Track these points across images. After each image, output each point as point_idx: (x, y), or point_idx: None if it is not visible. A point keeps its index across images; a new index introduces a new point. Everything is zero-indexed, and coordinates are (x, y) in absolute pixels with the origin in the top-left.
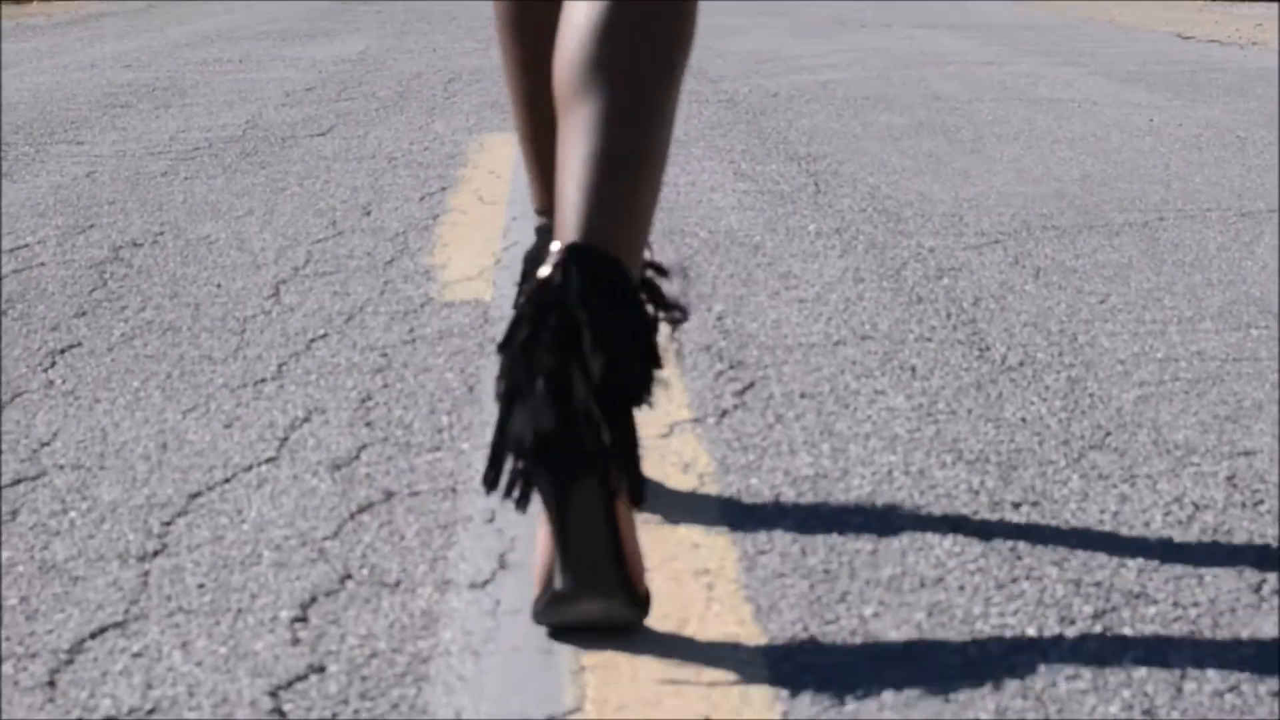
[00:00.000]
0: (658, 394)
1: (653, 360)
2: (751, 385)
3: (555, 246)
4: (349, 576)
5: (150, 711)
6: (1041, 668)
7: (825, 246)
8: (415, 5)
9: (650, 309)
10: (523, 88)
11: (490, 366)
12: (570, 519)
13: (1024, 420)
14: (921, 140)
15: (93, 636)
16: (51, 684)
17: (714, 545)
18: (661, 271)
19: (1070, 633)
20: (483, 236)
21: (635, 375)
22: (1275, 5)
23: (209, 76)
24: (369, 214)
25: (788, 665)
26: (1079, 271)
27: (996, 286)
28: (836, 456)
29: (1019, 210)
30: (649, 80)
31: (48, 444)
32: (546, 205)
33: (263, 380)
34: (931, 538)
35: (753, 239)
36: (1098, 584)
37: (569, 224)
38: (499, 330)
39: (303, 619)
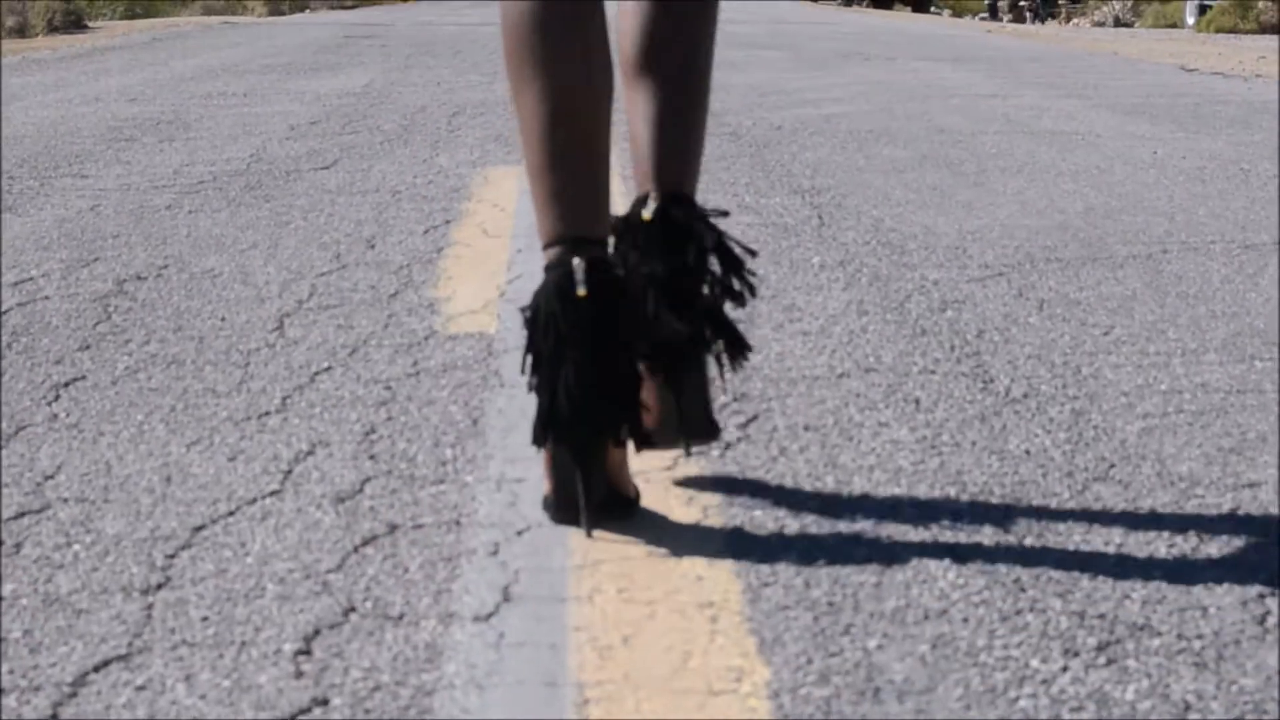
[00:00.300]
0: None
1: (736, 266)
2: (756, 418)
3: (651, 198)
4: (353, 609)
5: None
6: (1045, 700)
7: (829, 279)
8: (419, 39)
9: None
10: (540, 115)
11: (494, 398)
12: (683, 395)
13: (1028, 452)
14: (925, 173)
15: (96, 670)
16: (55, 717)
17: (718, 578)
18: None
19: (1074, 665)
20: (487, 270)
21: (729, 279)
22: (1277, 38)
23: (214, 110)
24: (373, 247)
25: (791, 698)
26: (1083, 304)
27: (1000, 319)
28: (840, 489)
29: (1023, 243)
30: (696, 60)
31: (51, 477)
32: (554, 238)
33: (267, 413)
34: (935, 570)
35: (757, 272)
36: (1101, 616)
37: (650, 173)
38: (504, 362)
39: (306, 652)
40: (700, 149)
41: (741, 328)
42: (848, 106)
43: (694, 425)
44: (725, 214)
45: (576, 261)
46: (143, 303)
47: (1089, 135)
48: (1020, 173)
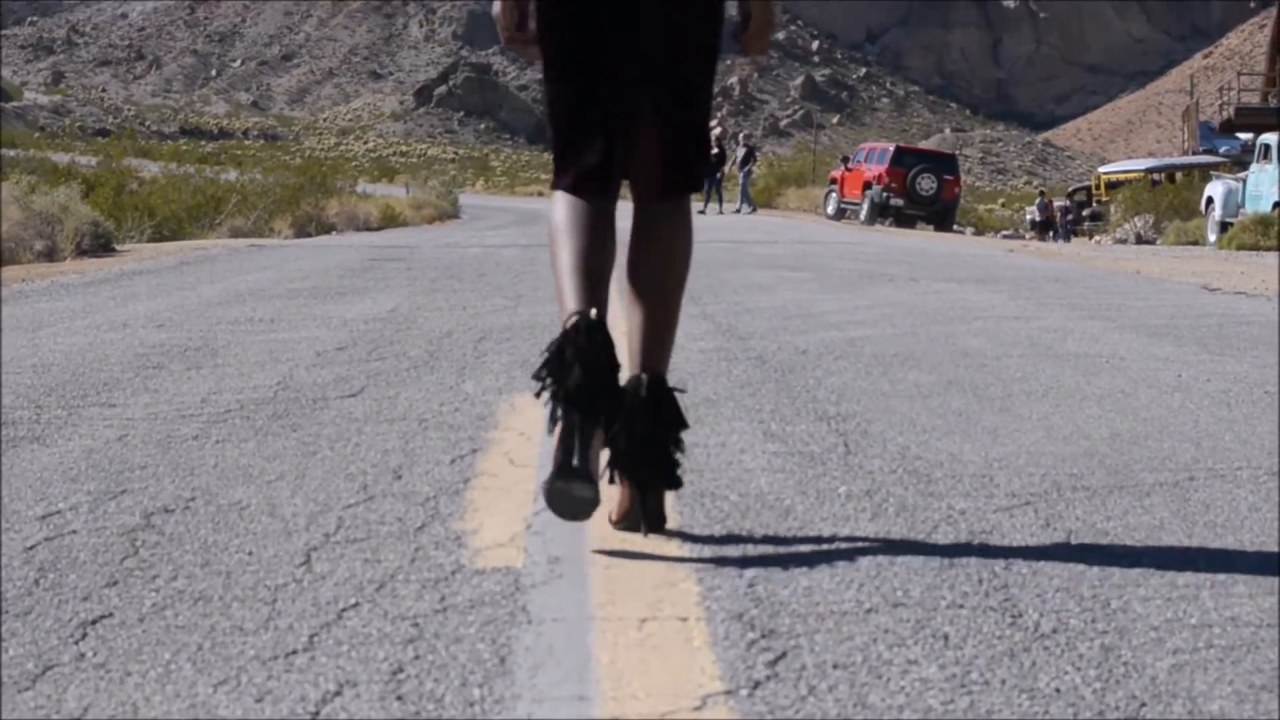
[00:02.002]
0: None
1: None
2: (784, 655)
3: (641, 377)
4: None
5: None
6: None
7: (856, 510)
8: (444, 262)
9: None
10: (568, 258)
11: (522, 635)
12: (646, 499)
13: (1058, 690)
14: (950, 398)
15: None
16: None
17: None
18: None
19: None
20: (514, 501)
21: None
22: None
23: (241, 336)
24: (400, 478)
25: None
26: (1110, 534)
27: (1028, 550)
28: None
29: (1049, 470)
30: (676, 284)
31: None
32: (571, 311)
33: (294, 652)
34: None
35: (783, 502)
36: None
37: (639, 358)
38: (531, 597)
39: None
40: (671, 340)
41: (769, 557)
42: (872, 329)
43: (653, 518)
44: (682, 391)
45: (593, 311)
46: (170, 536)
47: (1113, 358)
48: (1045, 397)
